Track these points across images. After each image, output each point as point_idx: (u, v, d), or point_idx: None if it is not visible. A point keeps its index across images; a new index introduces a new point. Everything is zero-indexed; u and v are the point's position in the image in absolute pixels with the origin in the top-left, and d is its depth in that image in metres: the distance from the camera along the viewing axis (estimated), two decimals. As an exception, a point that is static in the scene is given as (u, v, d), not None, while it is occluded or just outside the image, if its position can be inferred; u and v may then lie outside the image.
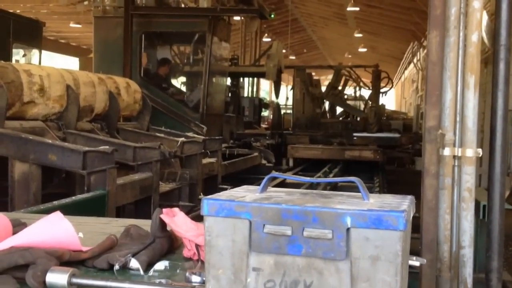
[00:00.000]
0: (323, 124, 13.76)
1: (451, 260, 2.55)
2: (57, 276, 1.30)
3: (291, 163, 10.28)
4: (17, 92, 4.68)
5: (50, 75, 5.09)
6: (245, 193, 1.16)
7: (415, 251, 1.29)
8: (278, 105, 14.59)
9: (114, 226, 2.08)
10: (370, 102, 14.57)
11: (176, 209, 1.69)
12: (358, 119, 14.78)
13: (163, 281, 1.34)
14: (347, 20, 20.78)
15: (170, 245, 1.68)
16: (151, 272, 1.47)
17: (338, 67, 14.79)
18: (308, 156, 10.23)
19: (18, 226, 1.72)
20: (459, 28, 2.57)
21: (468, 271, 2.55)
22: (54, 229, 1.44)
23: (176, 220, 1.64)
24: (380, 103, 15.00)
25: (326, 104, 16.35)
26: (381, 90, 15.48)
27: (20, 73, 4.71)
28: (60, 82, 5.22)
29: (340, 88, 14.95)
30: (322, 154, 9.99)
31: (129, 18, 8.49)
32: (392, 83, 15.38)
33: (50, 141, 4.38)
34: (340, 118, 15.40)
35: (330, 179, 1.19)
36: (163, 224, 1.64)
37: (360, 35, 21.13)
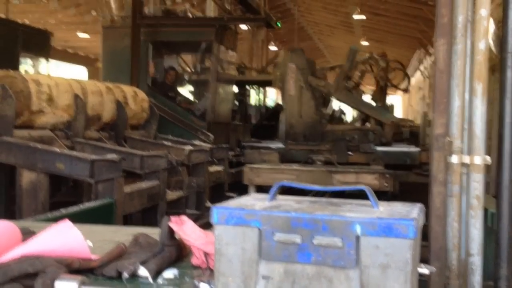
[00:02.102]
0: (328, 133, 8.26)
1: (459, 268, 2.54)
2: (67, 284, 1.31)
3: (252, 192, 5.92)
4: (26, 101, 4.71)
5: (59, 85, 5.12)
6: (254, 201, 1.17)
7: (423, 259, 1.28)
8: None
9: (123, 234, 2.09)
10: (375, 102, 9.78)
11: (184, 217, 1.69)
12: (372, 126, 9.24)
13: (172, 289, 1.34)
14: (353, 28, 20.79)
15: (179, 253, 1.68)
16: (160, 280, 1.47)
17: (355, 49, 9.03)
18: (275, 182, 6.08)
19: (27, 235, 1.73)
20: (466, 36, 2.58)
21: (476, 279, 2.53)
22: (63, 238, 1.45)
23: (185, 228, 1.64)
24: (386, 103, 10.53)
25: (334, 105, 11.66)
26: (401, 87, 11.87)
27: (29, 82, 4.74)
28: (68, 91, 5.25)
29: (355, 80, 9.49)
30: (298, 179, 5.85)
31: (136, 28, 8.54)
32: (408, 77, 11.81)
33: (58, 150, 4.40)
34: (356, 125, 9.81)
35: (339, 187, 1.20)
36: (171, 232, 1.65)
37: (366, 43, 21.13)
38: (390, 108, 9.84)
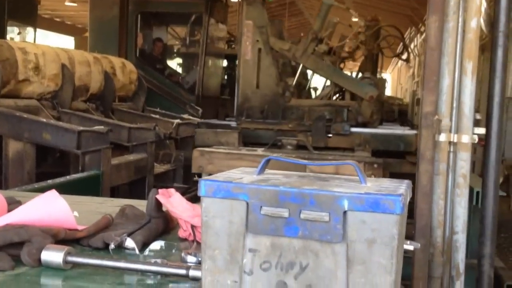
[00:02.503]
0: (293, 109, 6.32)
1: (444, 245, 2.58)
2: (53, 254, 1.31)
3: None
4: (12, 70, 4.64)
5: (46, 54, 5.05)
6: (243, 174, 1.16)
7: (408, 236, 1.29)
8: None
9: (109, 206, 2.08)
10: (361, 74, 7.60)
11: (172, 190, 1.69)
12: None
13: (158, 260, 1.35)
14: (345, 5, 20.64)
15: (166, 226, 1.68)
16: (146, 252, 1.47)
17: (328, 3, 6.78)
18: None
19: (12, 204, 1.72)
20: (458, 13, 2.57)
21: (460, 256, 2.57)
22: (49, 208, 1.44)
23: (172, 200, 1.64)
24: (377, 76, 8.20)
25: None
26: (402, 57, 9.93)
27: (15, 51, 4.67)
28: (55, 61, 5.18)
29: (328, 43, 7.03)
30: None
31: (125, -2, 8.41)
32: (406, 46, 9.33)
33: (44, 120, 4.36)
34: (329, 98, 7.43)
35: (327, 162, 1.20)
36: (159, 205, 1.64)
37: (357, 19, 21.00)
38: (381, 82, 7.49)
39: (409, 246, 1.18)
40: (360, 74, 7.81)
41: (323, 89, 8.31)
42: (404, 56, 10.30)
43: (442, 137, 2.52)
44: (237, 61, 6.47)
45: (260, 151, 4.70)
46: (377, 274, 0.97)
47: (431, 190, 2.47)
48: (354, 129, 5.86)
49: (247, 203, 1.06)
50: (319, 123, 5.78)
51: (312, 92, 8.63)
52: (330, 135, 5.76)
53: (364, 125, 6.02)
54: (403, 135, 5.94)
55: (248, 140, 5.76)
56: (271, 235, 1.05)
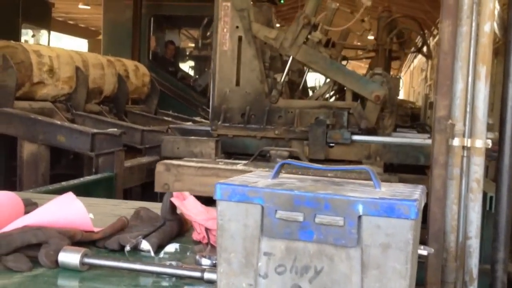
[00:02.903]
0: (281, 111, 5.02)
1: (457, 250, 2.56)
2: (70, 256, 1.32)
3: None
4: (27, 72, 4.69)
5: (60, 56, 5.10)
6: (258, 178, 1.18)
7: (421, 241, 1.30)
8: None
9: (124, 208, 2.10)
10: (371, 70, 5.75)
11: (186, 193, 1.70)
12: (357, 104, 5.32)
13: (173, 263, 1.36)
14: (356, 7, 20.60)
15: (180, 228, 1.70)
16: (161, 254, 1.48)
17: None
18: (204, 194, 2.72)
19: (29, 206, 1.75)
20: (471, 18, 2.56)
21: (474, 262, 2.56)
22: (66, 210, 1.46)
23: (186, 203, 1.65)
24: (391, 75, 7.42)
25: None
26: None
27: (30, 53, 4.73)
28: (70, 63, 5.23)
29: (323, 26, 5.40)
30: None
31: (138, 1, 8.47)
32: (425, 39, 7.88)
33: (59, 122, 4.41)
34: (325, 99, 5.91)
35: (341, 167, 1.20)
36: (173, 207, 1.66)
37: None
38: (395, 82, 6.35)
39: (422, 251, 1.18)
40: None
41: (316, 86, 6.97)
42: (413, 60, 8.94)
43: (456, 142, 2.51)
44: (212, 53, 5.17)
45: (240, 165, 3.76)
46: (392, 279, 0.98)
47: (444, 195, 2.46)
48: (357, 137, 4.71)
49: (262, 207, 1.07)
50: (318, 129, 4.63)
51: (310, 92, 7.11)
52: (332, 144, 4.66)
53: (369, 132, 4.88)
54: (423, 145, 4.62)
55: (226, 150, 4.83)
56: (286, 239, 1.06)
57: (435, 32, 8.58)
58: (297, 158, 4.30)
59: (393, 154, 4.69)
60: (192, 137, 4.58)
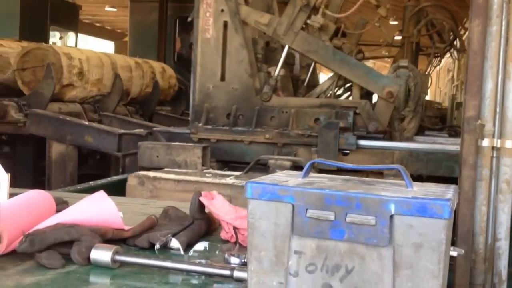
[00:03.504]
0: (274, 111, 4.18)
1: (486, 252, 2.53)
2: (101, 253, 1.34)
3: None
4: (57, 75, 4.77)
5: (89, 59, 5.18)
6: (288, 177, 1.18)
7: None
8: None
9: (152, 207, 2.13)
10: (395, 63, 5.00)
11: (214, 192, 1.71)
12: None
13: (203, 261, 1.37)
14: (380, 7, 20.39)
15: (208, 227, 1.71)
16: (190, 253, 1.50)
17: None
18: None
19: (60, 204, 1.78)
20: (501, 17, 2.52)
21: (503, 264, 2.52)
22: (98, 208, 1.48)
23: (215, 202, 1.66)
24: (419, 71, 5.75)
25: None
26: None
27: (61, 56, 4.81)
28: (99, 66, 5.31)
29: (324, 9, 4.37)
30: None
31: (164, 3, 8.54)
32: (456, 34, 6.89)
33: (87, 123, 4.48)
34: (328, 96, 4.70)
35: (373, 166, 1.20)
36: (201, 206, 1.67)
37: (395, 22, 20.76)
38: (423, 79, 5.31)
39: (452, 252, 1.17)
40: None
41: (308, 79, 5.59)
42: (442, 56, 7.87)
43: (485, 142, 2.47)
44: (193, 42, 4.35)
45: (231, 178, 3.14)
46: (424, 278, 0.97)
47: (473, 196, 2.43)
48: (365, 142, 3.97)
49: (293, 206, 1.07)
50: (330, 133, 3.85)
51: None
52: (347, 151, 3.92)
53: (379, 134, 4.16)
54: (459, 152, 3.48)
55: (242, 159, 4.10)
56: (317, 237, 1.06)
57: (462, 31, 8.00)
58: (302, 168, 3.39)
59: (422, 164, 3.87)
60: (174, 144, 3.79)
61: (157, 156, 3.68)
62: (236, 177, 3.21)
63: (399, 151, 3.92)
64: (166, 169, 3.50)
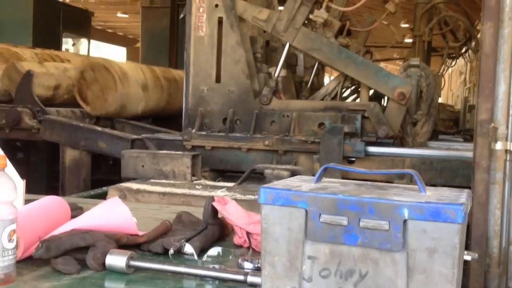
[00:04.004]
0: (274, 115, 3.86)
1: (500, 256, 2.51)
2: (116, 259, 1.36)
3: None
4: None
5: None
6: (301, 182, 1.18)
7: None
8: None
9: (165, 212, 2.14)
10: (407, 62, 4.63)
11: (227, 197, 1.72)
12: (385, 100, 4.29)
13: (216, 266, 1.38)
14: (389, 2, 20.30)
15: (221, 232, 1.72)
16: (204, 258, 1.50)
17: None
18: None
19: (75, 210, 1.80)
20: (514, 19, 2.51)
21: (518, 268, 2.50)
22: (112, 214, 1.49)
23: (228, 208, 1.67)
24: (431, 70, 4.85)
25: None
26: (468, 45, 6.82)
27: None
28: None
29: (328, 3, 4.01)
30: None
31: (175, 8, 8.60)
32: (470, 32, 6.47)
33: (99, 129, 4.50)
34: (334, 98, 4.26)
35: (386, 171, 1.20)
36: (215, 212, 1.68)
37: (407, 25, 20.69)
38: (436, 79, 4.89)
39: (466, 256, 1.17)
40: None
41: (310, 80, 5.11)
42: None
43: (498, 146, 2.46)
44: (185, 40, 4.00)
45: (223, 191, 2.89)
46: (438, 283, 0.97)
47: (487, 200, 2.42)
48: (374, 149, 3.62)
49: (306, 211, 1.08)
50: (333, 138, 3.53)
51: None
52: (353, 158, 3.58)
53: (389, 141, 3.79)
54: None
55: (239, 168, 3.78)
56: (330, 242, 1.06)
57: (478, 27, 7.75)
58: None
59: (437, 173, 3.52)
60: (161, 152, 3.51)
61: (143, 166, 3.38)
62: (229, 189, 2.97)
63: (410, 158, 3.59)
64: (152, 180, 3.26)
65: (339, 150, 3.50)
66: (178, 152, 3.48)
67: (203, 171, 3.55)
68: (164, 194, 2.81)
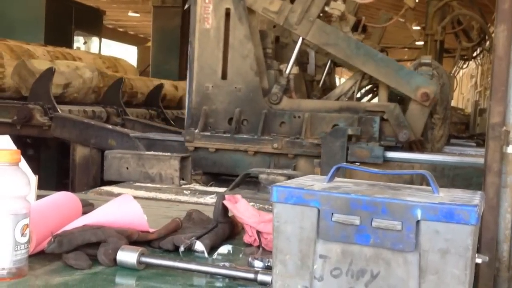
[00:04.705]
0: (284, 115, 3.65)
1: (510, 260, 2.50)
2: (127, 255, 1.36)
3: None
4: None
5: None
6: (313, 181, 1.18)
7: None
8: None
9: (175, 210, 2.15)
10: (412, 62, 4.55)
11: (238, 196, 1.73)
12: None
13: (226, 264, 1.38)
14: (403, 12, 20.27)
15: (231, 231, 1.72)
16: (215, 255, 1.51)
17: None
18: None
19: (86, 206, 1.81)
20: (527, 22, 2.50)
21: (528, 272, 2.49)
22: (124, 210, 1.50)
23: (238, 206, 1.68)
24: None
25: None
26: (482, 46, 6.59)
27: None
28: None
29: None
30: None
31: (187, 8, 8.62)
32: (485, 32, 6.20)
33: (110, 127, 4.53)
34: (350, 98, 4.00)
35: (399, 171, 1.20)
36: (225, 210, 1.69)
37: (418, 27, 20.61)
38: (449, 79, 4.54)
39: (477, 259, 1.16)
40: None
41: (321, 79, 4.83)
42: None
43: (510, 149, 2.45)
44: (189, 33, 3.70)
45: (211, 197, 2.66)
46: (450, 284, 0.97)
47: (497, 203, 2.41)
48: (394, 154, 3.37)
49: (318, 210, 1.08)
50: (335, 141, 3.28)
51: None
52: (357, 163, 3.31)
53: (410, 146, 3.59)
54: None
55: (208, 169, 3.53)
56: (342, 242, 1.06)
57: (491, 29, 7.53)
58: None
59: (448, 180, 3.24)
60: (147, 153, 3.27)
61: (127, 168, 3.12)
62: (219, 194, 2.74)
63: (420, 164, 3.36)
64: (137, 184, 3.04)
65: (342, 154, 3.28)
66: (166, 154, 3.22)
67: (194, 174, 3.38)
68: (148, 199, 2.53)
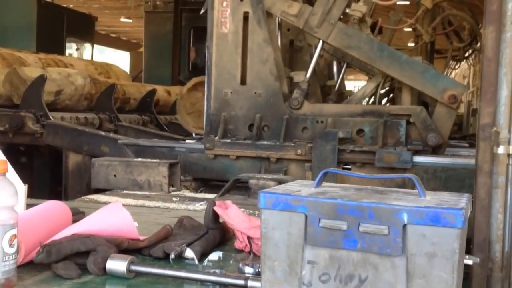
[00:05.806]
0: (306, 120, 3.52)
1: (503, 260, 2.51)
2: (117, 263, 1.36)
3: None
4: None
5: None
6: (300, 187, 1.18)
7: (466, 250, 1.28)
8: None
9: (167, 216, 2.14)
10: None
11: (228, 202, 1.72)
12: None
13: (217, 271, 1.38)
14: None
15: (222, 237, 1.72)
16: (205, 262, 1.51)
17: None
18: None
19: (77, 215, 1.80)
20: (516, 23, 2.51)
21: (521, 272, 2.49)
22: (113, 218, 1.50)
23: (229, 212, 1.67)
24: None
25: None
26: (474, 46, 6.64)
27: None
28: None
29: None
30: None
31: (178, 13, 8.63)
32: (476, 33, 6.22)
33: (103, 133, 4.51)
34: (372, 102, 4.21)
35: (386, 175, 1.20)
36: (216, 216, 1.68)
37: (409, 29, 20.65)
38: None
39: (468, 261, 1.16)
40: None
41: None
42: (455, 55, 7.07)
43: (501, 150, 2.46)
44: (207, 38, 3.63)
45: (201, 204, 2.60)
46: (437, 288, 0.97)
47: (489, 204, 2.42)
48: (422, 158, 3.33)
49: (306, 216, 1.08)
50: (326, 145, 3.26)
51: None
52: (349, 167, 3.35)
53: (434, 150, 3.45)
54: None
55: (224, 177, 3.42)
56: (330, 247, 1.06)
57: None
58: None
59: (439, 182, 3.26)
60: (135, 160, 3.21)
61: (115, 176, 3.08)
62: (209, 201, 2.67)
63: (412, 166, 3.30)
64: (124, 191, 2.99)
65: (333, 158, 3.24)
66: (154, 160, 3.15)
67: (184, 180, 3.35)
68: (136, 207, 2.49)
